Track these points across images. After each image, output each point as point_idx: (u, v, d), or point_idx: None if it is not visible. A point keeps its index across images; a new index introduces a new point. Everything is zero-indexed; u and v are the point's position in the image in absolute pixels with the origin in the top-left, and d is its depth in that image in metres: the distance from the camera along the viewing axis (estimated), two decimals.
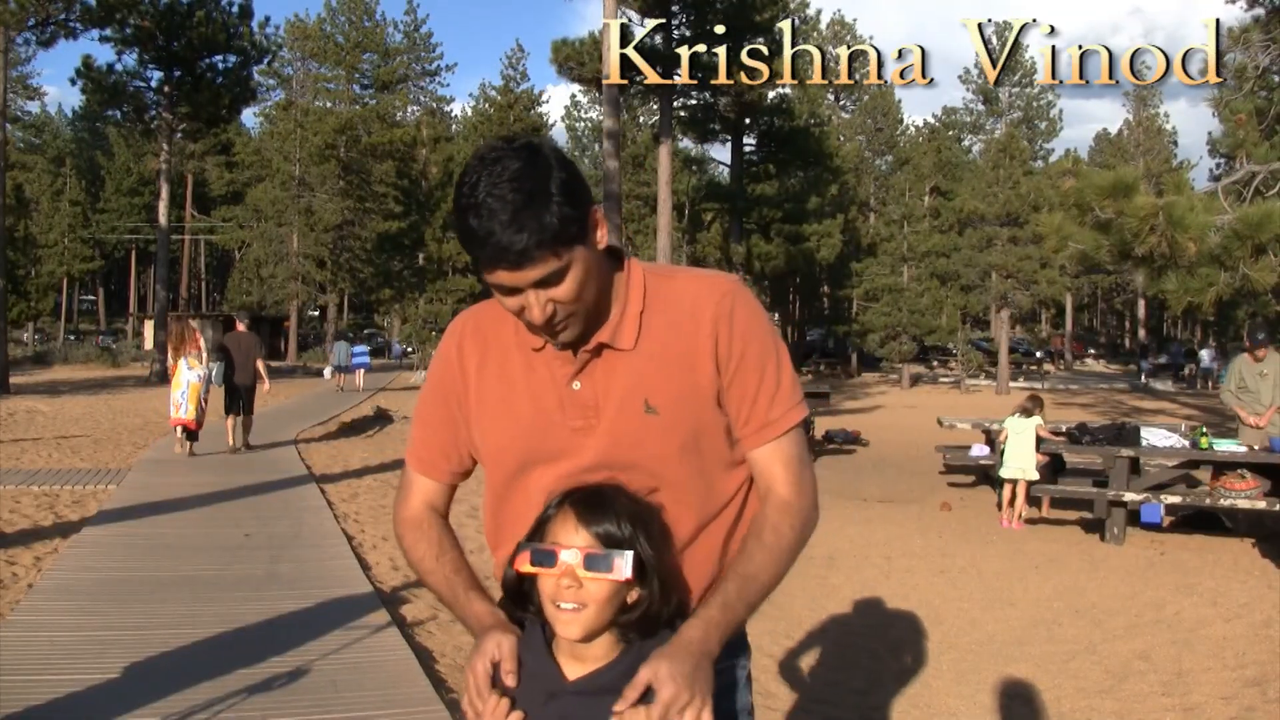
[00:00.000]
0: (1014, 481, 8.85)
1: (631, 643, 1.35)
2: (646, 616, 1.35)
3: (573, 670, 1.34)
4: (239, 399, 12.09)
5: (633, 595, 1.34)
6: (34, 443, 12.83)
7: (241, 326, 13.08)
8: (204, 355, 11.65)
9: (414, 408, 1.66)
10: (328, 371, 27.80)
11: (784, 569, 1.49)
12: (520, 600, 1.41)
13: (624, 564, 1.31)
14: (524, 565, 1.36)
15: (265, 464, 10.94)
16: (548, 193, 1.33)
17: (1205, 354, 37.75)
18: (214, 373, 12.10)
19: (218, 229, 52.10)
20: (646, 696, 1.25)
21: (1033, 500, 9.32)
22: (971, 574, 7.03)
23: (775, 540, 1.47)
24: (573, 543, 1.33)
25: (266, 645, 4.41)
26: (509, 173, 1.33)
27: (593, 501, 1.37)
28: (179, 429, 11.41)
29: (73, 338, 51.43)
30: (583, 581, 1.31)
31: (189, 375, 11.32)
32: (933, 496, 10.71)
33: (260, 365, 12.27)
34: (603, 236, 1.43)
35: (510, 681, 1.34)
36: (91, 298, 67.98)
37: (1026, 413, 8.87)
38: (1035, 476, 8.79)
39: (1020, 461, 8.76)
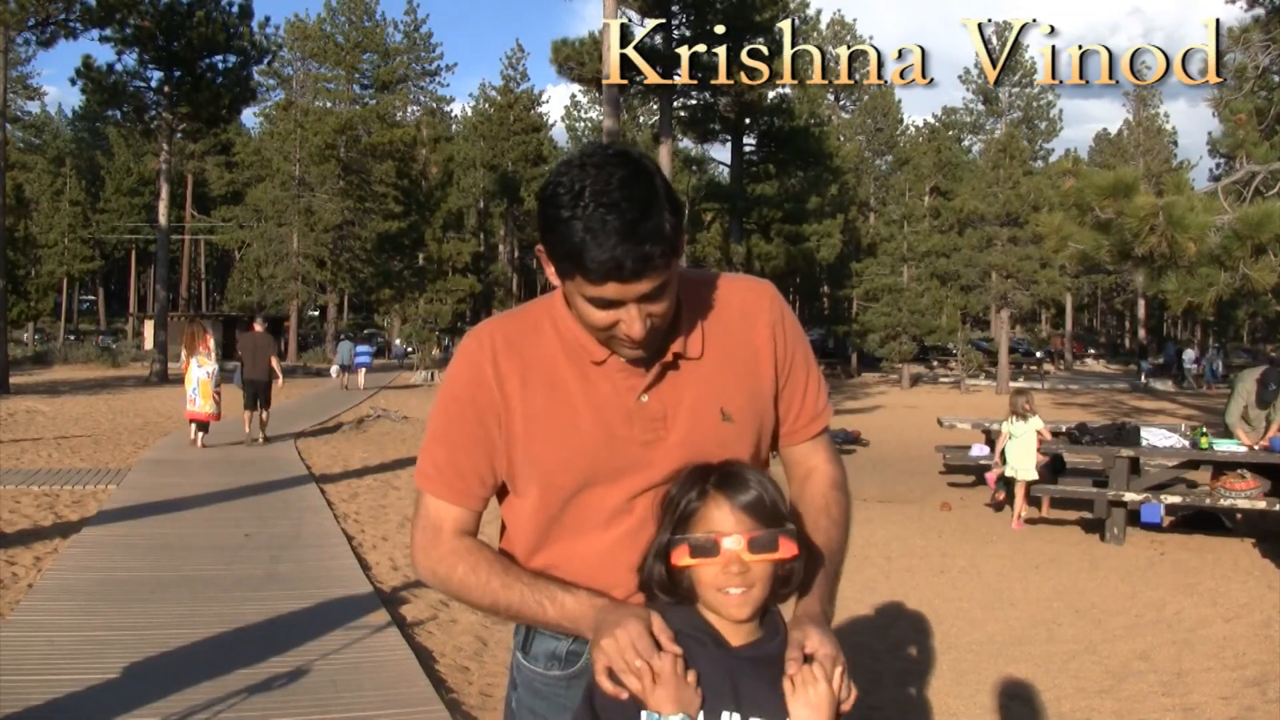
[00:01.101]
0: (1015, 481, 8.88)
1: (766, 612, 1.39)
2: (796, 587, 1.39)
3: (732, 638, 1.36)
4: (255, 394, 12.88)
5: (784, 568, 1.36)
6: (34, 443, 12.83)
7: (258, 327, 13.97)
8: (212, 354, 12.27)
9: (432, 432, 1.51)
10: (334, 371, 28.23)
11: (849, 538, 1.59)
12: (665, 593, 1.38)
13: (790, 540, 1.34)
14: (683, 559, 1.33)
15: (265, 464, 10.95)
16: (659, 203, 1.28)
17: (1188, 354, 38.35)
18: (234, 374, 13.18)
19: (218, 229, 52.08)
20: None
21: (1033, 500, 9.33)
22: (971, 574, 7.03)
23: (840, 514, 1.57)
24: (729, 526, 1.32)
25: (266, 645, 4.41)
26: (618, 179, 1.27)
27: (737, 483, 1.35)
28: (194, 424, 12.15)
29: (73, 338, 51.42)
30: (749, 565, 1.32)
31: (199, 373, 12.02)
32: (933, 496, 10.71)
33: (274, 362, 13.10)
34: (681, 246, 1.39)
35: (675, 648, 1.30)
36: (91, 298, 67.98)
37: (1021, 415, 8.84)
38: (1034, 476, 8.80)
39: (1018, 461, 8.77)
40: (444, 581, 1.49)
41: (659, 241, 1.27)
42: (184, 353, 12.42)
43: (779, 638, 1.36)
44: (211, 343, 12.47)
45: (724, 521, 1.32)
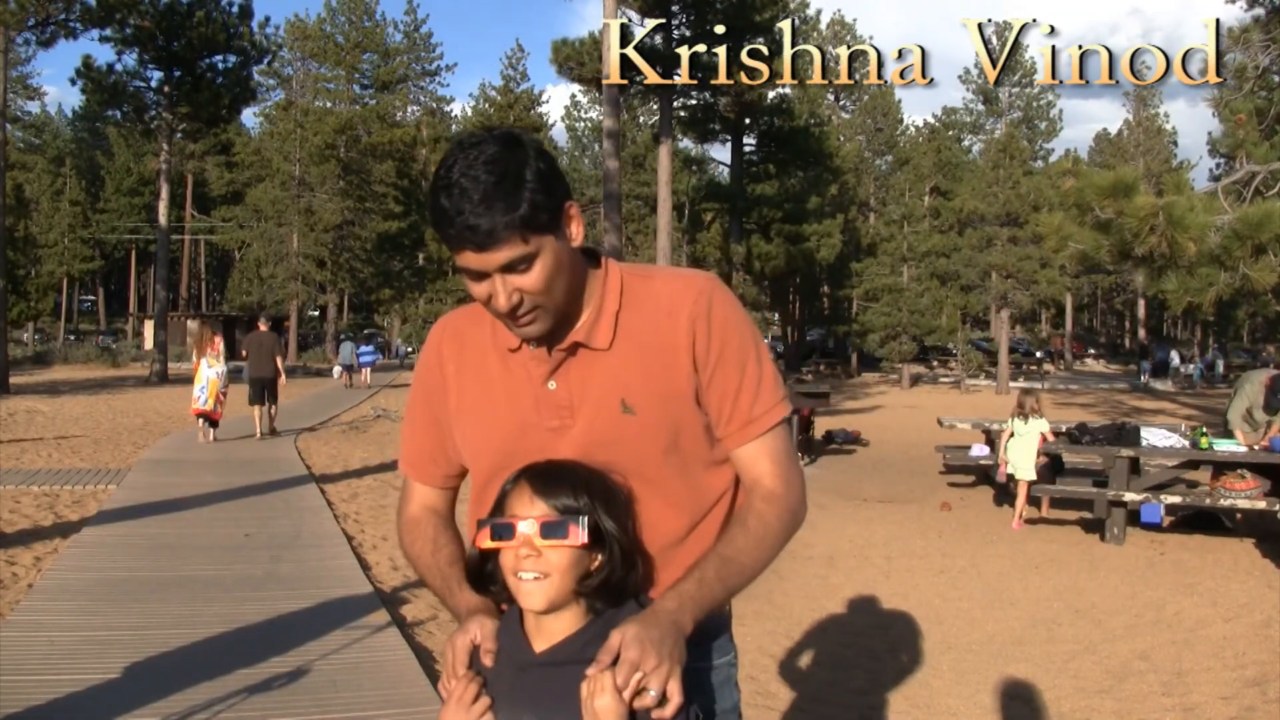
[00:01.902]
0: (1017, 481, 8.91)
1: (598, 614, 1.35)
2: (608, 584, 1.35)
3: (541, 644, 1.35)
4: (262, 391, 13.64)
5: (594, 563, 1.35)
6: (34, 443, 12.83)
7: (263, 327, 14.68)
8: (221, 356, 12.96)
9: (404, 415, 1.67)
10: (336, 371, 29.44)
11: (767, 558, 1.47)
12: (485, 580, 1.41)
13: (580, 529, 1.32)
14: (484, 541, 1.36)
15: (265, 464, 10.95)
16: (521, 177, 1.33)
17: (1174, 355, 39.45)
18: (242, 372, 14.23)
19: (218, 229, 52.09)
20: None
21: (1032, 500, 9.34)
22: (971, 574, 7.03)
23: (759, 527, 1.46)
24: (529, 514, 1.33)
25: (266, 645, 4.41)
26: (485, 156, 1.33)
27: (548, 474, 1.38)
28: (201, 419, 12.77)
29: (73, 338, 51.42)
30: (541, 550, 1.31)
31: (208, 372, 12.62)
32: (933, 496, 10.71)
33: (278, 361, 13.89)
34: (577, 233, 1.42)
35: (488, 661, 1.34)
36: (91, 298, 67.98)
37: (1024, 415, 8.85)
38: (1033, 476, 8.81)
39: (1019, 460, 8.78)
40: (402, 548, 1.63)
41: (511, 212, 1.31)
42: (194, 353, 13.22)
43: (585, 639, 1.31)
44: (221, 345, 13.16)
45: (524, 508, 1.34)
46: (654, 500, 1.46)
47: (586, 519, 1.33)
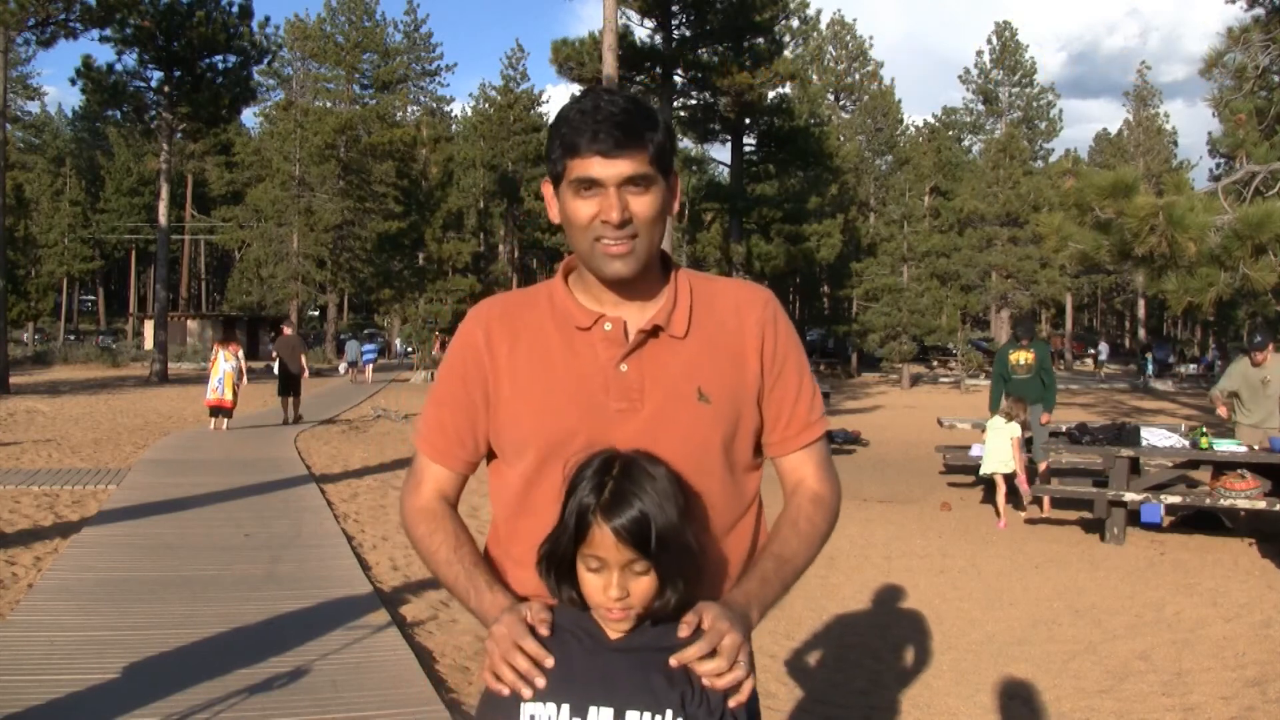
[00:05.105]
0: (1007, 476, 8.98)
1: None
2: (677, 606, 1.37)
3: (610, 630, 1.35)
4: (289, 384, 15.79)
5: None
6: (34, 443, 12.83)
7: (288, 330, 16.85)
8: (239, 355, 14.63)
9: (429, 393, 1.63)
10: (343, 368, 31.81)
11: (814, 556, 1.55)
12: (565, 570, 1.39)
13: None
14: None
15: (265, 464, 10.95)
16: (655, 117, 1.44)
17: (1104, 348, 42.18)
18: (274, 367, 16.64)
19: (218, 229, 52.10)
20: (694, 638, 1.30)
21: (1033, 500, 9.35)
22: (971, 574, 7.03)
23: (809, 529, 1.54)
24: (611, 555, 1.30)
25: (266, 645, 4.41)
26: (622, 98, 1.44)
27: (635, 523, 1.31)
28: (212, 411, 14.26)
29: (73, 338, 51.46)
30: (631, 591, 1.32)
31: (225, 366, 14.14)
32: (933, 496, 10.71)
33: (303, 360, 16.04)
34: (675, 205, 1.51)
35: (544, 631, 1.33)
36: (91, 298, 68.01)
37: (1008, 417, 9.03)
38: (1011, 469, 8.92)
39: (999, 455, 8.90)
40: (409, 532, 1.59)
41: (649, 128, 1.41)
42: (216, 347, 14.66)
43: (662, 628, 1.34)
44: (240, 350, 14.67)
45: (608, 551, 1.31)
46: (704, 496, 1.49)
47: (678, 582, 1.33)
